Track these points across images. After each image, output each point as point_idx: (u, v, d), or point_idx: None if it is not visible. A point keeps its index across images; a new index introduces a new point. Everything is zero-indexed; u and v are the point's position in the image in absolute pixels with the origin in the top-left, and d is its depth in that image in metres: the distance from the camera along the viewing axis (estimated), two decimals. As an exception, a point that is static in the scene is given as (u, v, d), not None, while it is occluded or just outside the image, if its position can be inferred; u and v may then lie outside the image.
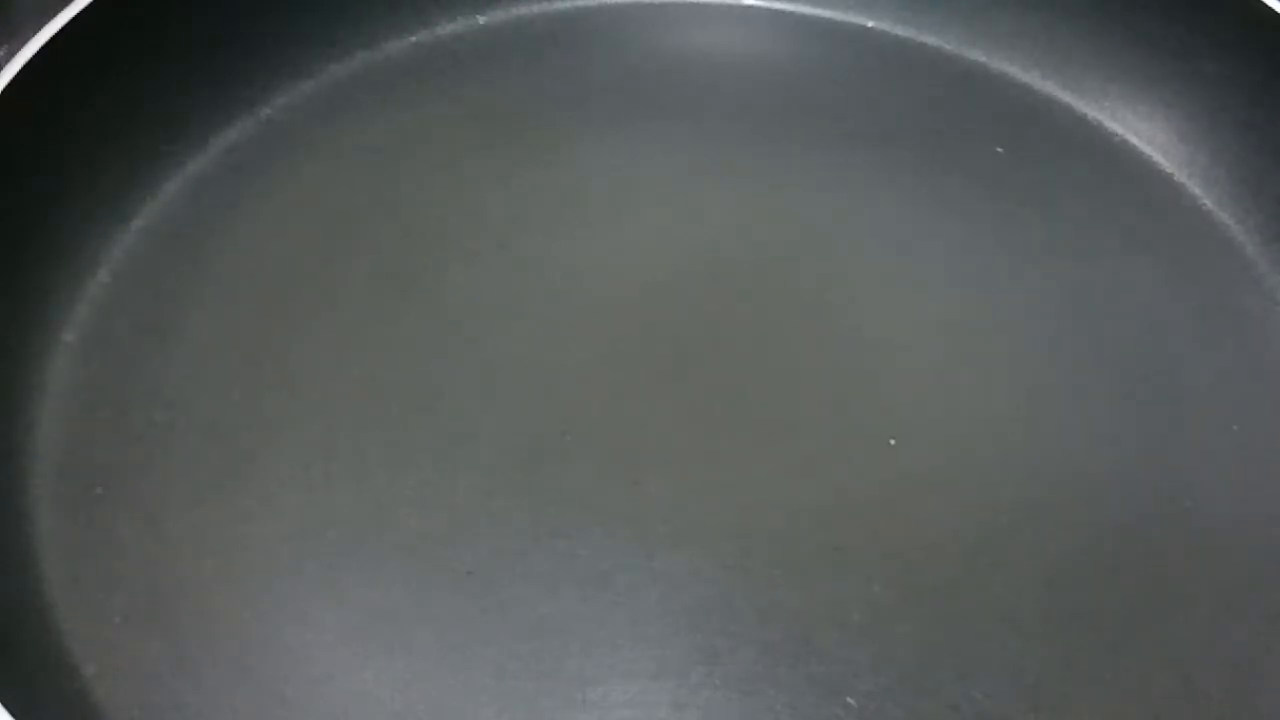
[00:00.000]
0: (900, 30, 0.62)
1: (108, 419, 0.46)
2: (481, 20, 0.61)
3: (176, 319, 0.49)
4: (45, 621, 0.42)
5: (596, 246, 0.53)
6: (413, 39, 0.60)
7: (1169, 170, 0.58)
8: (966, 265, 0.54)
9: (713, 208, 0.55)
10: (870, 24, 0.63)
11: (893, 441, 0.47)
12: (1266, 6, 0.54)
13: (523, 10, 0.62)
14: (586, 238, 0.53)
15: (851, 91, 0.60)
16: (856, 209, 0.55)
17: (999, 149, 0.58)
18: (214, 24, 0.55)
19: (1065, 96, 0.60)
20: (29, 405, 0.46)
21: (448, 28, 0.61)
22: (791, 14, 0.63)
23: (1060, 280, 0.53)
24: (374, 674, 0.41)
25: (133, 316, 0.49)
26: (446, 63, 0.60)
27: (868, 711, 0.41)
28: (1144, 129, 0.59)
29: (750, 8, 0.63)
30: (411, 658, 0.42)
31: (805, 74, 0.61)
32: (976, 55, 0.62)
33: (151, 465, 0.45)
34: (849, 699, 0.42)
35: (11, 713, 0.35)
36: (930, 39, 0.62)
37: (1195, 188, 0.57)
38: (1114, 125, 0.59)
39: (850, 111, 0.59)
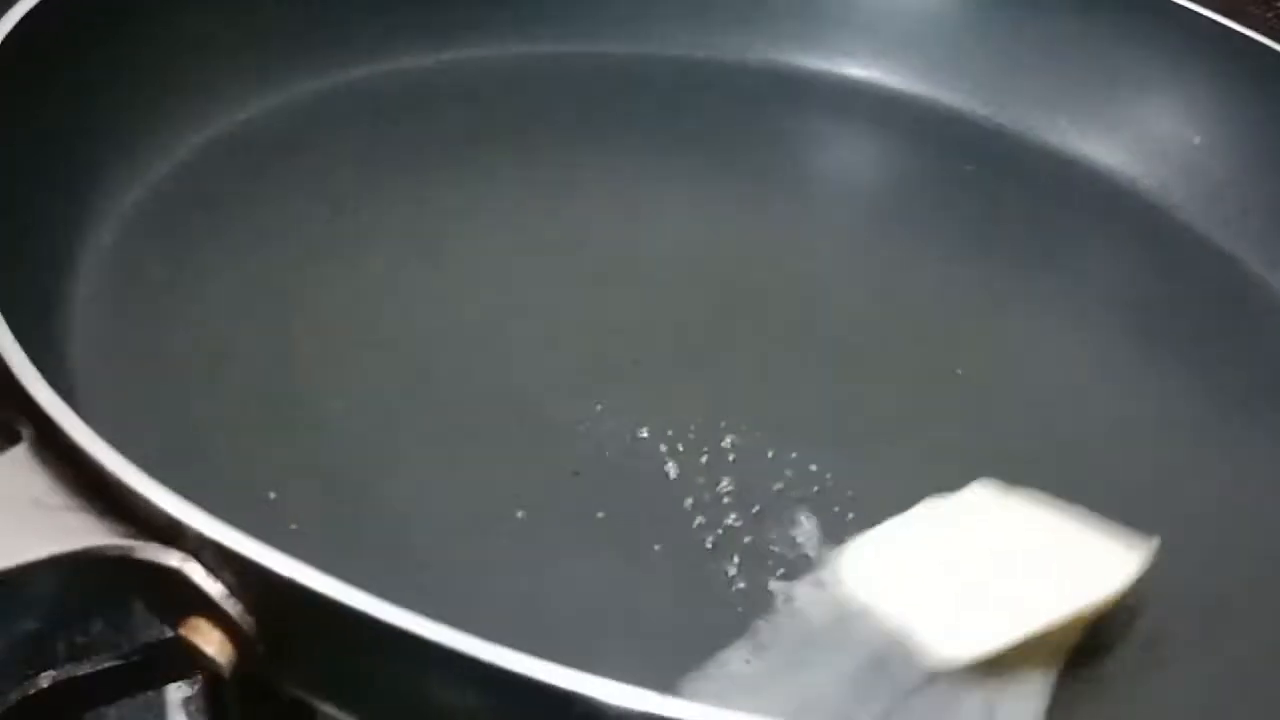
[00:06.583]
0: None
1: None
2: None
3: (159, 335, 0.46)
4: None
5: (598, 247, 0.53)
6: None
7: (1156, 192, 0.61)
8: (959, 290, 0.55)
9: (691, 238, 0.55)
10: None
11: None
12: (1238, 31, 0.59)
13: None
14: (588, 239, 0.54)
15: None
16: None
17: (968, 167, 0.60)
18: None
19: (1041, 135, 0.63)
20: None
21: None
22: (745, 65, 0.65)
23: (1061, 297, 0.55)
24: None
25: (115, 327, 0.45)
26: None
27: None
28: (1122, 155, 0.62)
29: (728, 64, 0.65)
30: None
31: (769, 122, 0.63)
32: (943, 94, 0.64)
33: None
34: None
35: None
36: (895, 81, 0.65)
37: (1189, 207, 0.60)
38: (1093, 154, 0.62)
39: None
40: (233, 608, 0.30)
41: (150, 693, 0.42)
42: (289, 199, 0.52)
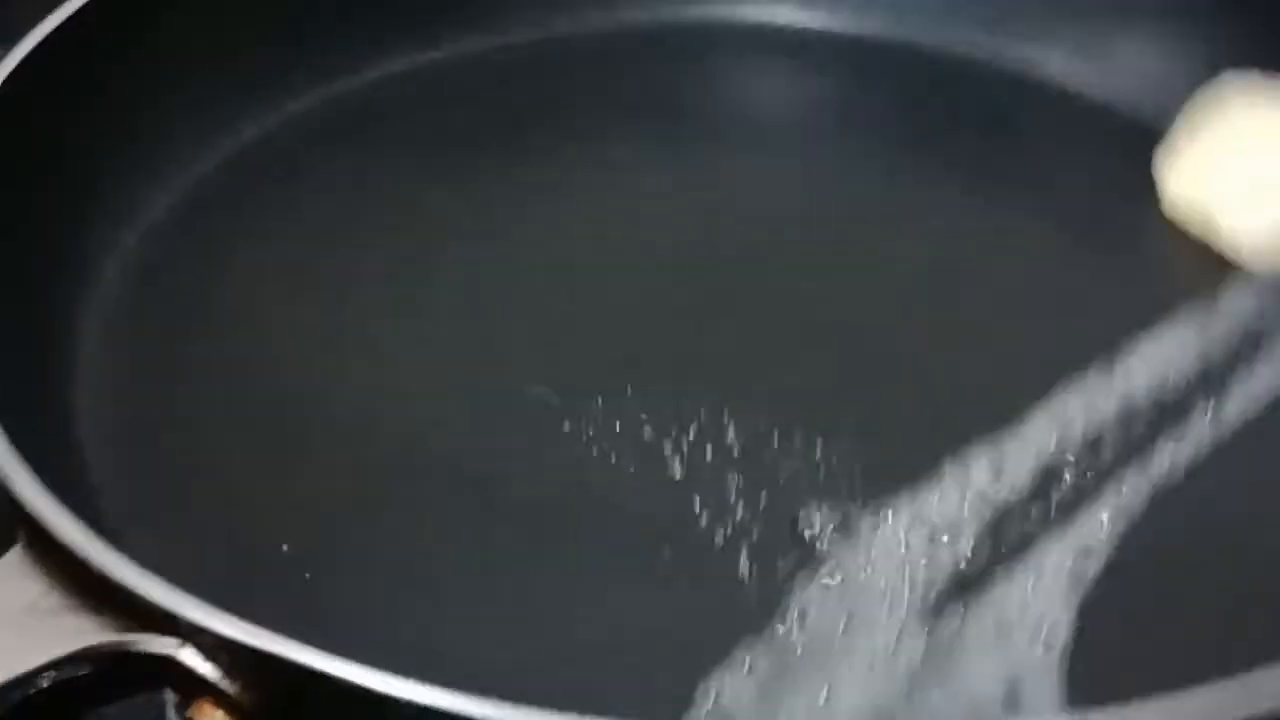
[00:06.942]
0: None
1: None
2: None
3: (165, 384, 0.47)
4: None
5: (596, 253, 0.53)
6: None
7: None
8: (950, 244, 0.54)
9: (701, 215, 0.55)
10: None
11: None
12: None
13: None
14: (589, 247, 0.53)
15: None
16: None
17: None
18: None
19: (1033, 70, 0.62)
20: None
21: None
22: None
23: (1055, 239, 0.54)
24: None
25: (123, 348, 0.47)
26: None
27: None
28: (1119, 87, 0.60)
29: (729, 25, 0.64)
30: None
31: (768, 77, 0.63)
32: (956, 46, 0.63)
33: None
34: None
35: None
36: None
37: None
38: (1095, 92, 0.60)
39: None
40: (230, 687, 0.30)
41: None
42: (290, 223, 0.53)
